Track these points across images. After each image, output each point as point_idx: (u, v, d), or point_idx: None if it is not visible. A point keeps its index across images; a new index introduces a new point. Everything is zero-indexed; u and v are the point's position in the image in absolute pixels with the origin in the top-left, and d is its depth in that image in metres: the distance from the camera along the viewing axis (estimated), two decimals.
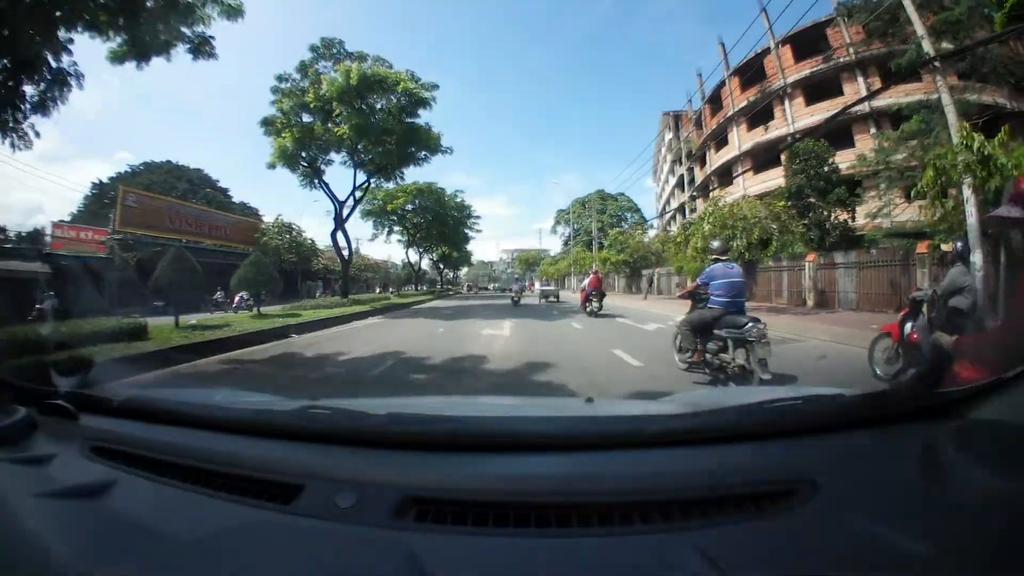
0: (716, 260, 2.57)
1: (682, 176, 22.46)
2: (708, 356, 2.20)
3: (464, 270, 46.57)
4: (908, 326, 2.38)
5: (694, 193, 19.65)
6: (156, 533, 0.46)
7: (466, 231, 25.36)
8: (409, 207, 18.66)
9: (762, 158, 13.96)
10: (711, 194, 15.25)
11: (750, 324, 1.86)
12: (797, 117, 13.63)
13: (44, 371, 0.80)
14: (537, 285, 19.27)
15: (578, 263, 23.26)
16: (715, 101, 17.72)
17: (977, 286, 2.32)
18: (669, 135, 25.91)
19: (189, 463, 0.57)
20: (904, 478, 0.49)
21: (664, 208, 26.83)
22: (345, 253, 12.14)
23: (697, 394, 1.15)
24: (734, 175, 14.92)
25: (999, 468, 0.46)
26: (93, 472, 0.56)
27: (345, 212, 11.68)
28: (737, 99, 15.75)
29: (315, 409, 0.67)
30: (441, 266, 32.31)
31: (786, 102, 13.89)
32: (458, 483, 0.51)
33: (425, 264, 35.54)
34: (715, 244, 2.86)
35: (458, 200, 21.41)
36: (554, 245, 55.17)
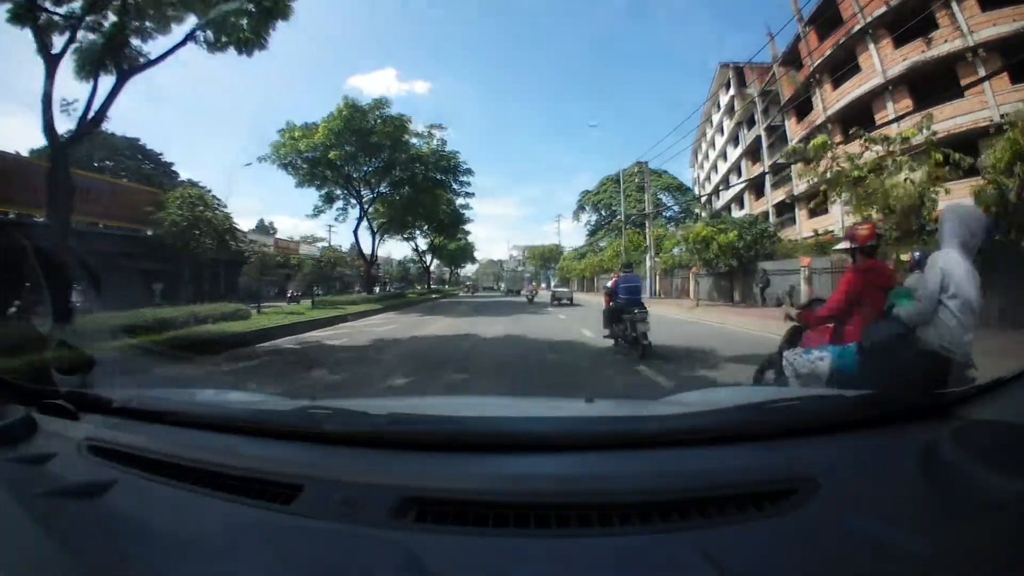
0: (623, 271, 5.48)
1: (758, 139, 21.01)
2: (619, 332, 4.58)
3: (473, 268, 48.23)
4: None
5: (786, 157, 16.59)
6: (156, 533, 0.60)
7: (454, 200, 22.28)
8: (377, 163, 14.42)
9: (928, 85, 12.25)
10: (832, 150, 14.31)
11: (637, 311, 4.00)
12: (974, 27, 12.19)
13: (44, 371, 1.06)
14: (553, 284, 21.92)
15: (629, 249, 21.54)
16: (823, 24, 16.04)
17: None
18: (726, 95, 24.36)
19: (189, 463, 0.75)
20: (904, 478, 0.62)
21: (718, 186, 25.12)
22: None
23: (697, 394, 1.33)
24: (877, 115, 12.87)
25: (999, 468, 0.57)
26: (93, 472, 0.74)
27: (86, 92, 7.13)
28: (868, 8, 14.18)
29: (315, 409, 0.86)
30: (428, 259, 31.22)
31: (953, 4, 12.43)
32: (458, 483, 0.66)
33: (397, 255, 37.56)
34: (625, 260, 10.48)
35: (435, 146, 16.12)
36: (573, 237, 58.29)
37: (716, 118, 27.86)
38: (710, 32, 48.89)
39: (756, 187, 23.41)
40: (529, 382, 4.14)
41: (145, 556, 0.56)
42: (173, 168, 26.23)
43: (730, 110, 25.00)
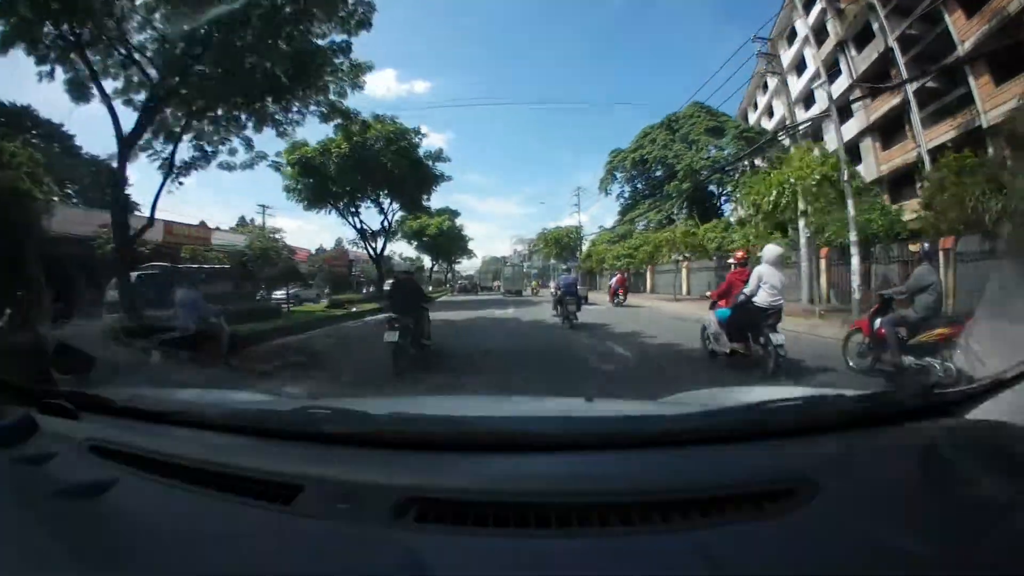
0: (564, 272, 15.76)
1: (885, 56, 17.91)
2: (561, 312, 10.73)
3: (475, 265, 49.43)
4: (877, 322, 5.16)
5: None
6: (156, 533, 0.76)
7: (411, 135, 20.33)
8: None
9: None
10: None
11: (569, 297, 10.37)
12: None
13: (44, 371, 1.29)
14: (560, 278, 19.33)
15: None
16: None
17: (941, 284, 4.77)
18: (806, 19, 22.29)
19: (189, 463, 0.93)
20: (904, 478, 0.76)
21: (814, 119, 19.96)
22: None
23: (697, 394, 1.64)
24: None
25: (999, 468, 0.70)
26: (93, 472, 0.93)
27: None
28: None
29: (315, 409, 1.07)
30: (379, 245, 25.81)
31: None
32: (458, 483, 0.81)
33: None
34: (565, 266, 23.25)
35: None
36: (590, 227, 52.32)
37: (788, 55, 24.65)
38: (714, 31, 62.01)
39: (884, 130, 19.48)
40: None
41: (146, 556, 0.71)
42: (75, 142, 24.87)
43: (816, 34, 22.00)
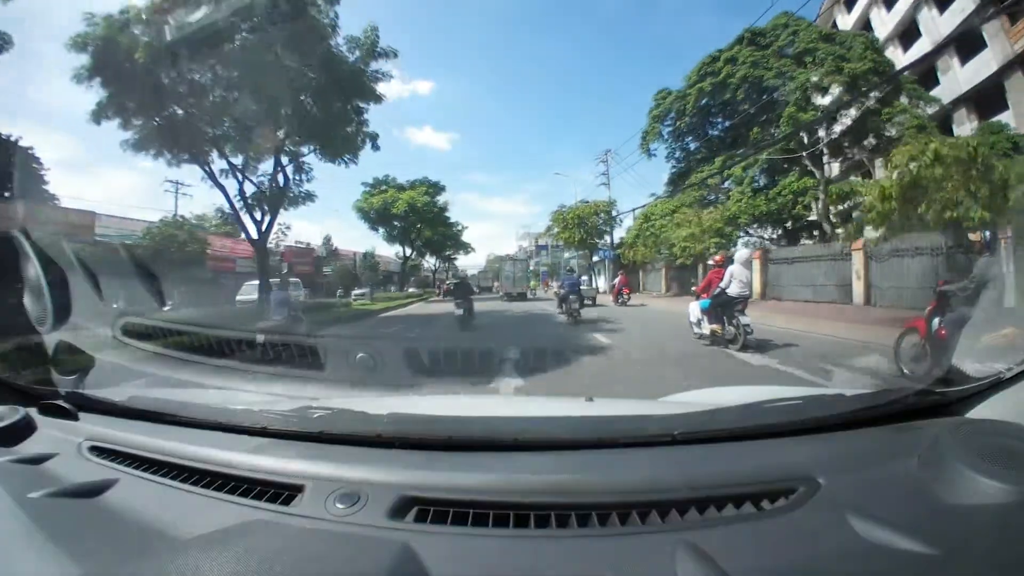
0: (568, 273, 18.77)
1: None
2: (564, 309, 14.05)
3: (480, 263, 46.17)
4: (936, 321, 5.39)
5: None
6: (156, 533, 0.91)
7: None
8: None
9: None
10: None
11: (572, 296, 13.89)
12: None
13: (44, 371, 1.45)
14: (563, 279, 15.91)
15: None
16: None
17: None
18: None
19: (189, 463, 1.07)
20: (904, 478, 0.86)
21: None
22: None
23: (697, 394, 1.85)
24: None
25: (999, 468, 0.80)
26: (93, 472, 1.09)
27: None
28: None
29: (315, 409, 1.24)
30: (263, 220, 16.92)
31: None
32: (458, 483, 0.94)
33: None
34: (572, 263, 29.39)
35: None
36: (637, 185, 51.36)
37: None
38: (714, 23, 69.01)
39: None
40: None
41: (145, 556, 0.82)
42: None
43: None
